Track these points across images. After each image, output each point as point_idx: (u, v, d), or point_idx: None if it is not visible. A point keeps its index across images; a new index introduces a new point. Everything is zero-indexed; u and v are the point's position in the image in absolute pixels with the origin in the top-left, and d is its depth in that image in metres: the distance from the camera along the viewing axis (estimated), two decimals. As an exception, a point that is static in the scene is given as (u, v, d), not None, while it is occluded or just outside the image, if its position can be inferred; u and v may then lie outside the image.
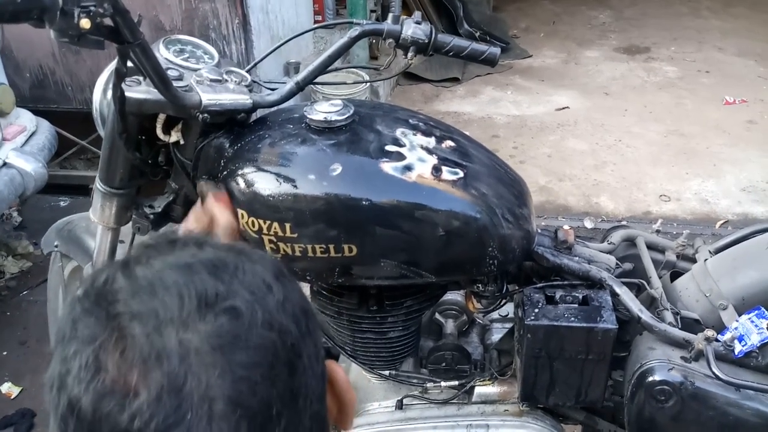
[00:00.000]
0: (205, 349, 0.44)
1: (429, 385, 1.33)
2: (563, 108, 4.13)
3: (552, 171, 3.46)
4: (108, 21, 0.77)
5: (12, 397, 2.18)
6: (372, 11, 4.12)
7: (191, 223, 1.00)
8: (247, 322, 0.46)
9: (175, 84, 0.97)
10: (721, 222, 3.03)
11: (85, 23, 0.71)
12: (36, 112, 2.58)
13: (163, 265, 0.48)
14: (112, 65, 1.07)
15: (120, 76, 0.91)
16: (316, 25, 1.57)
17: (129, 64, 0.90)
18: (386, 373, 1.32)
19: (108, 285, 0.47)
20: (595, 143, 3.73)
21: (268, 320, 0.47)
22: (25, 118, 2.49)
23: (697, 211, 3.14)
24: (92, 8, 0.72)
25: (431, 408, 1.35)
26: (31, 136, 2.44)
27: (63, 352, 0.46)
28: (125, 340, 0.44)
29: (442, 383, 1.32)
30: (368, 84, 2.82)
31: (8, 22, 0.73)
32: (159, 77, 0.91)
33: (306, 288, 1.36)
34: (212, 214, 0.99)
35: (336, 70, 1.21)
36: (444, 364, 1.32)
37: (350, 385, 0.59)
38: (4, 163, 2.26)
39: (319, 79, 1.15)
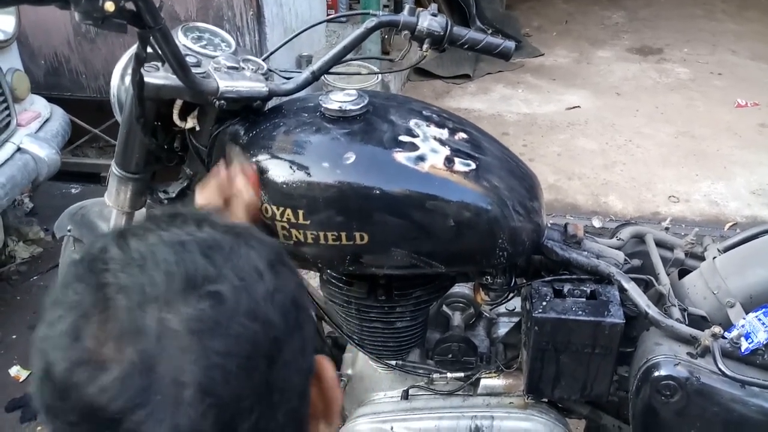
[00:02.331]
0: (182, 331, 0.43)
1: (435, 376, 1.34)
2: (574, 107, 4.13)
3: (561, 169, 3.47)
4: (131, 5, 0.78)
5: (20, 381, 2.21)
6: (385, 6, 4.12)
7: (210, 190, 0.96)
8: (229, 309, 0.45)
9: (193, 70, 0.98)
10: (730, 224, 3.03)
11: (109, 6, 0.73)
12: (50, 99, 2.60)
13: (158, 240, 0.47)
14: (131, 51, 1.09)
15: (140, 61, 0.93)
16: (331, 16, 1.58)
17: (149, 49, 0.91)
18: (393, 363, 1.33)
19: (101, 253, 0.47)
20: (605, 143, 3.73)
21: (252, 309, 0.46)
22: (40, 105, 2.51)
23: (706, 212, 3.14)
24: (116, -9, 0.74)
25: (437, 399, 1.36)
26: (45, 122, 2.46)
27: (50, 315, 0.46)
28: (108, 312, 0.44)
29: (448, 374, 1.33)
30: (379, 78, 2.82)
31: (35, 3, 0.74)
32: (178, 63, 0.93)
33: (316, 276, 1.37)
34: (237, 187, 0.97)
35: (350, 61, 1.22)
36: (450, 356, 1.33)
37: (337, 383, 0.58)
38: (19, 149, 2.28)
39: (333, 70, 1.15)
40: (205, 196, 0.96)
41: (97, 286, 0.45)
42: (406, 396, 1.35)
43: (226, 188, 0.97)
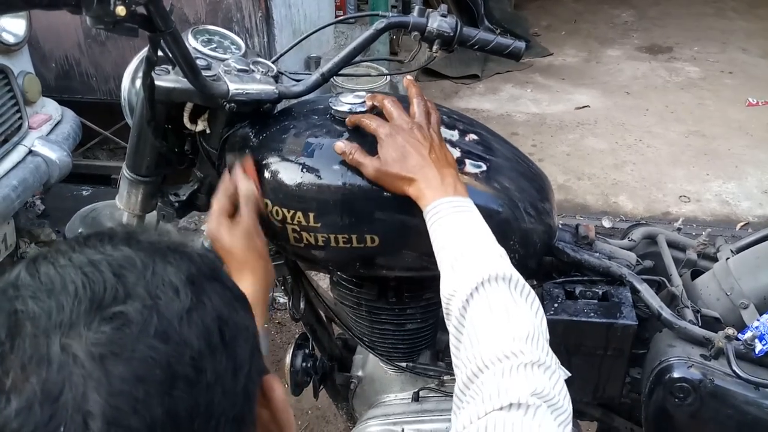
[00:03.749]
0: (84, 357, 0.41)
1: (445, 377, 1.33)
2: (583, 107, 4.11)
3: (571, 169, 3.45)
4: (142, 9, 0.78)
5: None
6: (393, 6, 4.13)
7: (219, 193, 1.00)
8: (136, 330, 0.43)
9: (204, 73, 0.98)
10: (742, 224, 3.01)
11: (121, 10, 0.73)
12: (61, 102, 2.61)
13: (68, 262, 0.46)
14: (142, 54, 1.09)
15: (151, 64, 0.93)
16: (340, 18, 1.58)
17: (159, 52, 0.91)
18: (403, 364, 1.33)
19: (14, 280, 0.46)
20: (614, 142, 3.71)
21: (163, 330, 0.44)
22: (51, 108, 2.52)
23: (717, 212, 3.12)
24: (127, -4, 0.74)
25: (447, 401, 1.35)
26: (56, 125, 2.47)
27: None
28: (13, 341, 0.42)
29: (459, 376, 1.33)
30: (388, 79, 2.82)
31: (47, 8, 0.74)
32: (189, 66, 0.93)
33: (326, 278, 1.37)
34: (236, 182, 0.99)
35: (359, 62, 1.22)
36: (461, 358, 1.33)
37: (288, 405, 0.56)
38: (30, 151, 2.29)
39: (342, 72, 1.15)
40: (215, 204, 0.98)
41: (8, 314, 0.44)
42: (416, 398, 1.35)
43: (231, 189, 0.99)
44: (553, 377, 0.73)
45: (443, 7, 1.12)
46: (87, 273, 0.44)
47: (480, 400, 0.69)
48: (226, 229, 0.95)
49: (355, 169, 1.00)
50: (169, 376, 0.43)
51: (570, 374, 0.76)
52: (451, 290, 0.84)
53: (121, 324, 0.43)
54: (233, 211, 0.98)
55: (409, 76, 1.08)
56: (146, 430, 0.41)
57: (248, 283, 0.93)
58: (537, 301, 0.83)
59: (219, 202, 0.98)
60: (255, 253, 0.96)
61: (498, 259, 0.85)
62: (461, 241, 0.87)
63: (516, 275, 0.83)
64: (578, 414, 1.36)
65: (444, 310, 0.86)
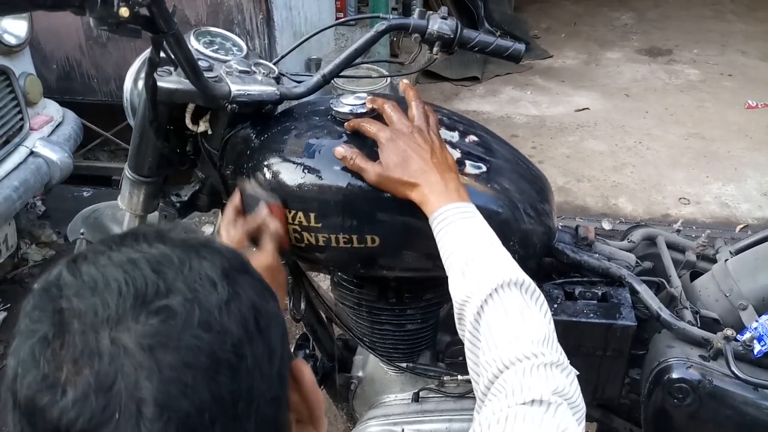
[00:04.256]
0: (135, 348, 0.44)
1: (446, 378, 1.34)
2: (583, 109, 4.12)
3: (571, 171, 3.46)
4: (145, 11, 0.79)
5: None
6: (393, 9, 4.14)
7: (228, 226, 0.99)
8: (181, 322, 0.45)
9: (206, 74, 0.99)
10: (741, 226, 3.01)
11: (124, 12, 0.73)
12: (62, 104, 2.62)
13: (108, 261, 0.48)
14: (144, 55, 1.10)
15: (153, 65, 0.93)
16: (341, 20, 1.58)
17: (162, 54, 0.92)
18: (403, 365, 1.33)
19: (57, 280, 0.48)
20: (614, 145, 3.72)
21: (205, 320, 0.46)
22: (52, 109, 2.53)
23: (716, 214, 3.12)
24: (130, -2, 0.74)
25: (447, 401, 1.36)
26: (57, 126, 2.48)
27: (14, 344, 0.47)
28: (62, 337, 0.45)
29: (459, 377, 1.33)
30: (389, 81, 2.83)
31: (50, 9, 0.75)
32: (191, 67, 0.93)
33: (326, 278, 1.38)
34: (263, 221, 0.98)
35: (360, 64, 1.22)
36: (461, 358, 1.32)
37: (317, 387, 0.58)
38: (31, 152, 2.30)
39: (343, 73, 1.16)
40: (229, 233, 0.99)
41: (53, 312, 0.46)
42: (416, 398, 1.35)
43: (252, 226, 0.99)
44: (570, 377, 0.75)
45: (443, 9, 1.13)
46: (127, 270, 0.47)
47: (503, 396, 0.71)
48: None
49: (355, 169, 1.01)
50: (213, 362, 0.45)
51: (579, 372, 0.77)
52: (464, 296, 0.85)
53: (167, 316, 0.45)
54: (243, 244, 0.99)
55: (405, 79, 1.08)
56: (195, 413, 0.44)
57: None
58: (546, 304, 0.85)
59: (231, 235, 0.98)
60: (274, 285, 0.94)
61: (509, 264, 0.87)
62: (471, 247, 0.88)
63: (527, 280, 0.85)
64: (578, 415, 1.37)
65: (456, 316, 0.87)
